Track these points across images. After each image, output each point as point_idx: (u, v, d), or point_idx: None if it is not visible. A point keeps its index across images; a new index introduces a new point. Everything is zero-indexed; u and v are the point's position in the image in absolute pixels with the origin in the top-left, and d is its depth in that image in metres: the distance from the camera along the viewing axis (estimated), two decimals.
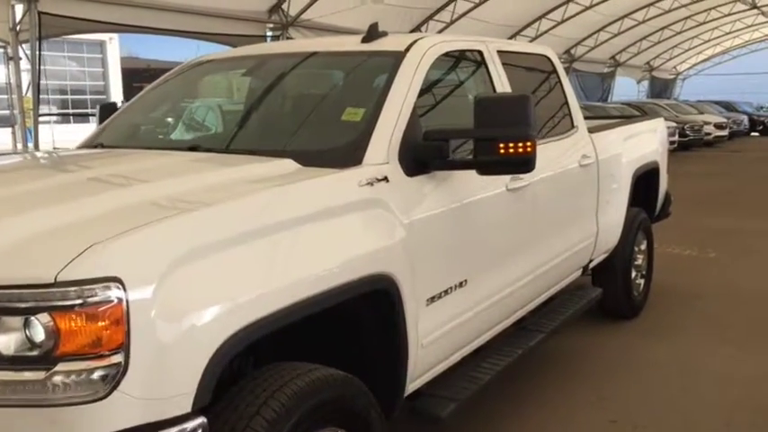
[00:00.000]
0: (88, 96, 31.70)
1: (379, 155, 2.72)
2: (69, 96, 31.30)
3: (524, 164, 2.79)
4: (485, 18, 20.04)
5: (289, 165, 2.67)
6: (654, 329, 5.28)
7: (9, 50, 11.12)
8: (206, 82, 4.04)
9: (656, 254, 6.04)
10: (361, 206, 2.52)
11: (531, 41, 21.78)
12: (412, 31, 18.29)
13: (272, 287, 2.09)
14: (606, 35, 27.31)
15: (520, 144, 2.75)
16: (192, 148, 3.13)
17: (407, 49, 3.16)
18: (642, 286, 5.67)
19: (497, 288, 3.34)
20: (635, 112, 21.26)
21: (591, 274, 5.23)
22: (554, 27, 23.88)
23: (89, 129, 4.67)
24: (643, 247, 5.67)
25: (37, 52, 10.99)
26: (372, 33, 3.33)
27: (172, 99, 3.96)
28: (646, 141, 5.62)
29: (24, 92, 11.18)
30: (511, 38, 21.37)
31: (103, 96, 31.27)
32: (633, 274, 5.48)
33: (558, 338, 4.58)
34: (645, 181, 5.69)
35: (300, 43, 3.47)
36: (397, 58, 3.11)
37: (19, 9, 11.00)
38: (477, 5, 19.57)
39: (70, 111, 29.48)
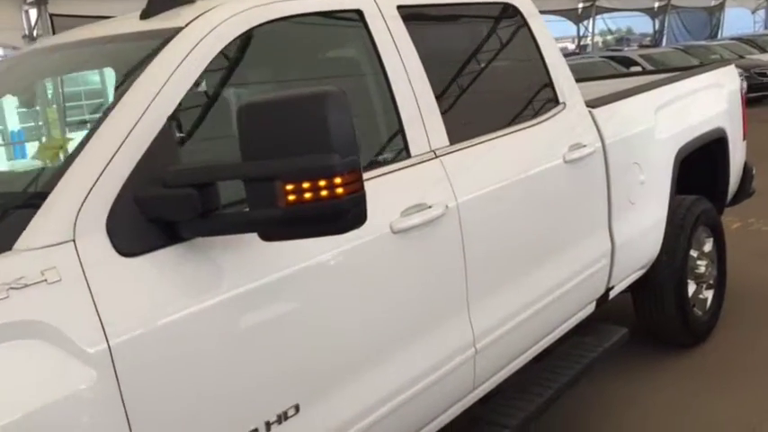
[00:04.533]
0: None
1: (54, 226, 1.52)
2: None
3: (335, 217, 1.51)
4: None
5: None
6: (726, 367, 3.79)
7: None
8: None
9: (734, 233, 4.49)
10: None
11: None
12: None
13: None
14: None
15: (322, 184, 1.48)
16: None
17: (187, 25, 1.92)
18: (710, 301, 4.16)
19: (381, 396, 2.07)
20: (749, 50, 18.63)
21: (631, 293, 3.82)
22: None
23: None
24: (707, 248, 4.14)
25: None
26: (156, 3, 2.09)
27: None
28: (700, 103, 4.06)
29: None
30: None
31: None
32: (692, 287, 4.00)
33: (582, 385, 3.25)
34: (704, 158, 4.15)
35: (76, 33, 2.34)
36: (163, 41, 1.88)
37: (33, 14, 10.40)
38: None
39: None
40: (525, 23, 2.98)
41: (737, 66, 4.59)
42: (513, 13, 2.95)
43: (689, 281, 3.97)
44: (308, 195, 1.48)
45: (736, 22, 30.98)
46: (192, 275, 1.64)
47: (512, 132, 2.69)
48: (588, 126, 3.07)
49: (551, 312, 2.85)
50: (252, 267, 1.73)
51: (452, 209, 2.30)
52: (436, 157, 2.35)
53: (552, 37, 3.09)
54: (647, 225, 3.50)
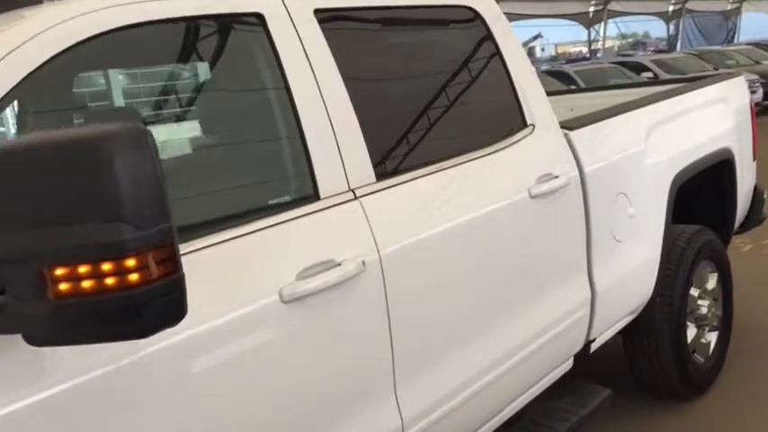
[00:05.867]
0: None
1: None
2: None
3: (129, 315, 1.04)
4: None
5: None
6: (735, 424, 3.28)
7: None
8: None
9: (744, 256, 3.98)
10: None
11: None
12: None
13: None
14: None
15: (107, 268, 1.01)
16: None
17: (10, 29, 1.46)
18: (714, 345, 3.65)
19: None
20: (767, 55, 17.95)
21: (621, 337, 3.32)
22: None
23: None
24: (711, 284, 3.63)
25: None
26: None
27: None
28: (702, 120, 3.55)
29: None
30: None
31: None
32: (692, 331, 3.49)
33: None
34: (707, 182, 3.65)
35: None
36: None
37: None
38: None
39: None
40: (487, 30, 2.50)
41: (753, 72, 4.07)
42: (471, 17, 2.47)
43: (688, 324, 3.47)
44: (86, 284, 1.01)
45: (754, 26, 30.24)
46: None
47: (462, 163, 2.20)
48: (562, 152, 2.58)
49: (513, 378, 2.37)
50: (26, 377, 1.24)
51: (372, 264, 1.82)
52: (355, 198, 1.87)
53: (521, 46, 2.60)
54: (636, 264, 3.00)
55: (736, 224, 4.02)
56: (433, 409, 2.00)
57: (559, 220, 2.51)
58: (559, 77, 13.01)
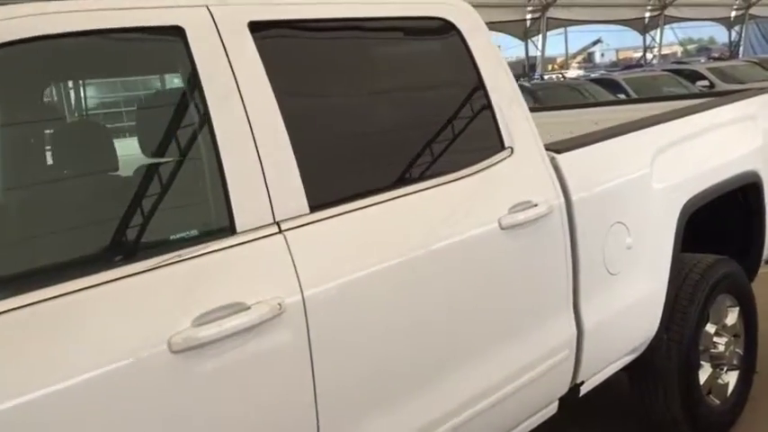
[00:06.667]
0: None
1: None
2: None
3: None
4: None
5: None
6: None
7: None
8: None
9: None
10: None
11: None
12: None
13: None
14: None
15: None
16: None
17: None
18: (732, 386, 3.34)
19: None
20: None
21: (627, 374, 3.06)
22: None
23: None
24: (730, 320, 3.33)
25: None
26: None
27: None
28: (724, 140, 3.26)
29: None
30: None
31: None
32: (707, 371, 3.19)
33: None
34: (732, 209, 3.36)
35: None
36: None
37: None
38: None
39: None
40: (462, 42, 2.28)
41: None
42: (443, 28, 2.26)
43: (702, 363, 3.17)
44: None
45: None
46: None
47: (419, 191, 2.00)
48: (545, 178, 2.35)
49: (480, 427, 2.15)
50: None
51: (293, 307, 1.63)
52: (280, 231, 1.69)
53: (501, 59, 2.38)
54: (636, 299, 2.74)
55: (767, 252, 3.70)
56: None
57: (538, 253, 2.28)
58: (608, 86, 12.56)
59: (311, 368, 1.66)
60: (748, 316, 3.40)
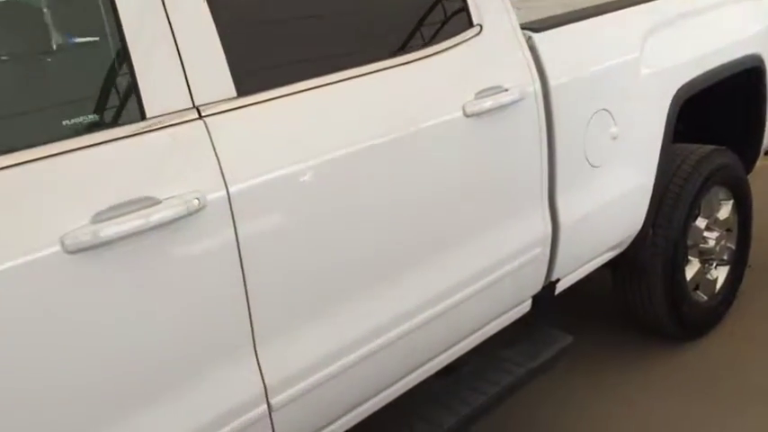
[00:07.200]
0: None
1: None
2: None
3: None
4: None
5: None
6: (731, 371, 2.90)
7: None
8: None
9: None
10: None
11: None
12: None
13: None
14: None
15: None
16: None
17: None
18: (721, 282, 3.20)
19: None
20: None
21: (611, 270, 2.93)
22: None
23: None
24: (723, 214, 3.15)
25: None
26: None
27: None
28: (727, 21, 2.98)
29: None
30: None
31: None
32: (695, 267, 3.05)
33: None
34: (735, 96, 3.14)
35: None
36: None
37: None
38: None
39: None
40: None
41: None
42: None
43: (691, 258, 3.03)
44: None
45: None
46: None
47: (370, 73, 1.78)
48: (519, 60, 2.12)
49: (445, 325, 2.03)
50: None
51: (216, 203, 1.46)
52: (200, 117, 1.49)
53: None
54: (620, 193, 2.56)
55: (767, 142, 3.48)
56: (305, 374, 1.67)
57: (508, 144, 2.09)
58: None
59: (241, 270, 1.51)
60: (743, 209, 3.23)
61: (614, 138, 2.46)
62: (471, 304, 2.10)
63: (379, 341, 1.84)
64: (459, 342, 2.16)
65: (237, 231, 1.49)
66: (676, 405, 2.73)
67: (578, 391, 2.86)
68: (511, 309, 2.31)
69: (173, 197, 1.39)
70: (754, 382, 2.80)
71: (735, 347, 3.05)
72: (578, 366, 2.91)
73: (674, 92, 2.64)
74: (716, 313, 3.20)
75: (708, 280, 3.14)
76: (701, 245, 3.06)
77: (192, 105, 1.48)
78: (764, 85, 3.17)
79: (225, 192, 1.47)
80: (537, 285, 2.35)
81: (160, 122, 1.43)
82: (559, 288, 2.48)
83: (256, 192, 1.53)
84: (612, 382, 2.90)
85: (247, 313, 1.54)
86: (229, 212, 1.48)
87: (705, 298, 3.13)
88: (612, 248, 2.67)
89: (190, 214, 1.41)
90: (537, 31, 2.21)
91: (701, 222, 3.03)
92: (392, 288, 1.86)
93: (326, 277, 1.69)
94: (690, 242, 2.97)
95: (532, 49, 2.18)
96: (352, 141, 1.70)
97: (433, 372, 2.13)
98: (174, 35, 1.47)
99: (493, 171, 2.06)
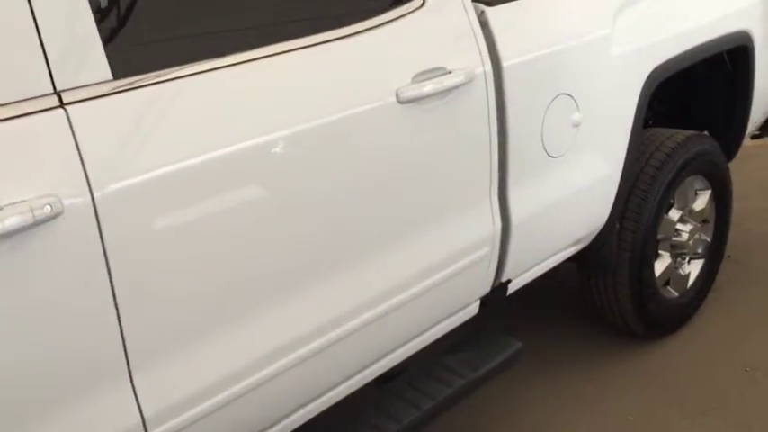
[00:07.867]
0: None
1: None
2: None
3: None
4: None
5: None
6: (698, 371, 2.71)
7: None
8: None
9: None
10: None
11: None
12: None
13: None
14: None
15: None
16: None
17: None
18: (693, 277, 3.00)
19: None
20: None
21: (576, 265, 2.72)
22: None
23: None
24: (699, 204, 2.94)
25: None
26: None
27: None
28: None
29: None
30: None
31: None
32: (666, 261, 2.85)
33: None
34: (714, 74, 2.90)
35: None
36: None
37: None
38: None
39: None
40: None
41: None
42: None
43: (661, 253, 2.82)
44: None
45: None
46: None
47: (282, 53, 1.54)
48: (467, 38, 1.87)
49: (374, 333, 1.82)
50: None
51: (77, 208, 1.23)
52: (61, 105, 1.25)
53: None
54: (583, 185, 2.34)
55: (751, 128, 3.25)
56: (207, 394, 1.47)
57: (450, 133, 1.85)
58: None
59: (110, 284, 1.29)
60: (721, 200, 3.02)
61: (576, 125, 2.22)
62: (409, 308, 1.89)
63: (293, 356, 1.63)
64: (394, 350, 1.96)
65: (104, 240, 1.27)
66: (633, 408, 2.56)
67: (534, 389, 2.68)
68: (456, 312, 2.11)
69: (13, 204, 1.16)
70: (716, 390, 2.62)
71: (702, 348, 2.86)
72: (538, 362, 2.74)
73: (647, 73, 2.41)
74: (687, 310, 3.02)
75: (679, 275, 2.94)
76: (674, 238, 2.85)
77: (52, 91, 1.24)
78: (752, 65, 2.93)
79: (89, 195, 1.24)
80: (485, 287, 2.14)
81: (7, 112, 1.19)
82: (511, 288, 2.27)
83: (129, 193, 1.30)
84: (570, 379, 2.73)
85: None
86: (94, 219, 1.25)
87: (676, 294, 2.94)
88: (573, 244, 2.45)
89: (39, 223, 1.18)
90: (490, 4, 1.96)
91: (674, 214, 2.82)
92: (309, 296, 1.64)
93: (223, 289, 1.47)
94: (661, 235, 2.76)
95: (484, 25, 1.93)
96: (256, 132, 1.47)
97: (364, 383, 1.93)
98: (33, 13, 1.22)
99: (432, 164, 1.83)
